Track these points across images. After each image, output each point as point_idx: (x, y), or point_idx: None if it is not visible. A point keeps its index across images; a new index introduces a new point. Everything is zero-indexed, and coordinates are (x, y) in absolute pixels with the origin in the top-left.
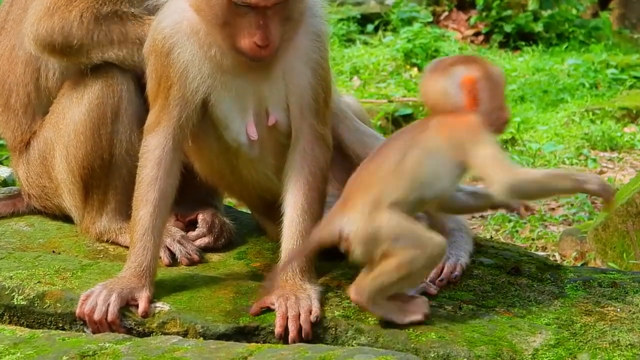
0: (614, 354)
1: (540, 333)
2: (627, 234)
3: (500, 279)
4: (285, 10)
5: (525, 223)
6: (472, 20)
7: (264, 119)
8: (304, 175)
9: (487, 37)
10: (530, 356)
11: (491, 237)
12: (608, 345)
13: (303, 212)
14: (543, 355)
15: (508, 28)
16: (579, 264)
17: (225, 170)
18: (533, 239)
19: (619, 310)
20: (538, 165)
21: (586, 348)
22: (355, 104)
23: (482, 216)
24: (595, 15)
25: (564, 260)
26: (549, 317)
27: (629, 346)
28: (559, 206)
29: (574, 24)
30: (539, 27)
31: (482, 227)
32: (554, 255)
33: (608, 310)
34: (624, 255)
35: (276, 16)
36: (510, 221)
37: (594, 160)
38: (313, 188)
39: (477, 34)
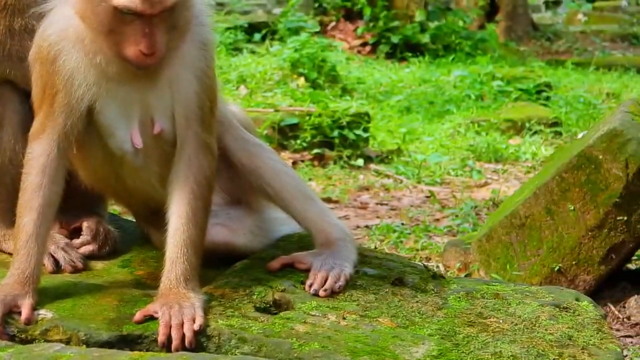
0: None
1: (423, 344)
2: (511, 246)
3: (384, 290)
4: (171, 19)
5: (409, 234)
6: (359, 31)
7: (149, 127)
8: (189, 184)
9: (374, 47)
10: None
11: (375, 248)
12: (490, 357)
13: (188, 221)
14: None
15: (395, 39)
16: (462, 275)
17: (110, 178)
18: (417, 250)
19: (501, 321)
20: (423, 177)
21: (469, 359)
22: (241, 113)
23: (367, 226)
24: (481, 27)
25: (448, 271)
26: (432, 328)
27: (511, 357)
28: (444, 217)
29: (461, 36)
30: (425, 39)
31: (366, 237)
32: (438, 266)
33: (491, 322)
34: (507, 266)
35: (162, 24)
36: (394, 231)
37: (479, 172)
38: (198, 197)
39: (364, 45)
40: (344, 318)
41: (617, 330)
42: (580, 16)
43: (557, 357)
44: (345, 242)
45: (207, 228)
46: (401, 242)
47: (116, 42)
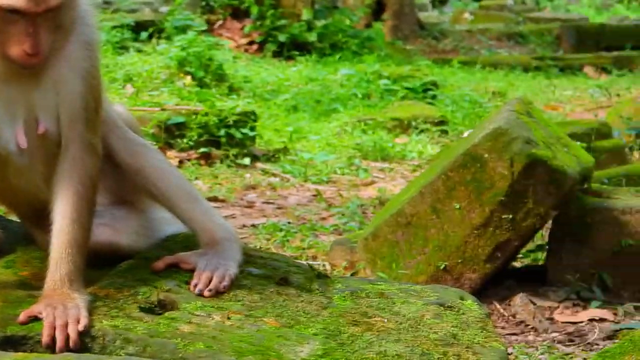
0: None
1: (308, 343)
2: (397, 244)
3: (269, 289)
4: (56, 19)
5: (296, 232)
6: (246, 30)
7: (33, 128)
8: (74, 184)
9: (261, 46)
10: None
11: (261, 247)
12: (375, 356)
13: (72, 222)
14: None
15: (282, 37)
16: (348, 274)
17: None
18: (304, 249)
19: (386, 320)
20: (310, 175)
21: (353, 358)
22: (126, 113)
23: (253, 225)
24: (368, 26)
25: (334, 270)
26: (316, 327)
27: (396, 356)
28: (330, 215)
29: (348, 35)
30: (312, 37)
31: (253, 236)
32: (324, 265)
33: (375, 321)
34: (393, 265)
35: (46, 24)
36: (281, 230)
37: (365, 171)
38: (82, 197)
39: (251, 43)
40: (229, 318)
41: (503, 328)
42: (466, 15)
43: (441, 356)
44: (230, 242)
45: (92, 228)
46: (287, 240)
47: (0, 42)
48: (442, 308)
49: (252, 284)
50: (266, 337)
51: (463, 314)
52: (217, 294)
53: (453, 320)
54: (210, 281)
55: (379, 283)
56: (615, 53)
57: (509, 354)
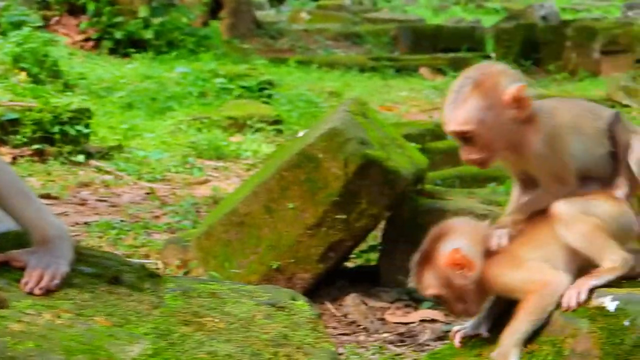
0: None
1: (138, 342)
2: (230, 243)
3: (100, 288)
4: None
5: (129, 230)
6: (82, 26)
7: None
8: None
9: (97, 43)
10: None
11: (93, 246)
12: (206, 356)
13: None
14: None
15: (118, 34)
16: (181, 273)
17: None
18: (137, 247)
19: (217, 320)
20: (144, 173)
21: (184, 358)
22: None
23: (86, 222)
24: (205, 24)
25: (167, 268)
26: (147, 327)
27: (227, 356)
28: (164, 214)
29: (184, 32)
30: (149, 35)
31: (85, 233)
32: (157, 264)
33: (206, 321)
34: (226, 264)
35: None
36: (114, 228)
37: (200, 169)
38: None
39: (87, 40)
40: (59, 317)
41: (334, 328)
42: (303, 14)
43: (272, 356)
44: (62, 240)
45: None
46: (120, 239)
47: None
48: (273, 308)
49: (83, 282)
50: (96, 336)
51: (294, 314)
52: (48, 292)
53: (284, 320)
54: (41, 279)
55: (210, 283)
56: (451, 55)
57: (340, 354)
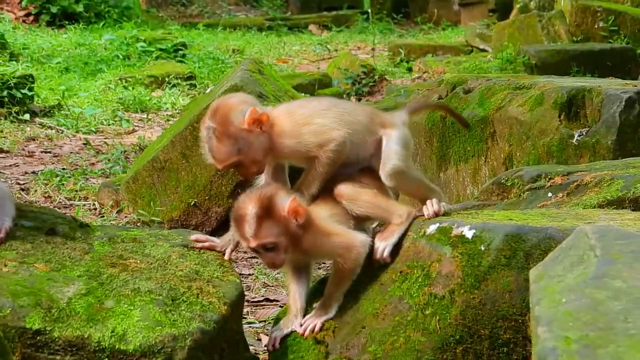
0: (135, 299)
1: (73, 284)
2: (154, 186)
3: (39, 239)
4: None
5: (70, 177)
6: (23, 3)
7: None
8: None
9: (37, 17)
10: (65, 304)
11: (38, 197)
12: (130, 292)
13: None
14: (76, 303)
15: (54, 9)
16: (115, 212)
17: None
18: (77, 191)
19: (139, 261)
20: (81, 127)
21: (112, 295)
22: None
23: (34, 172)
24: None
25: (103, 208)
26: (80, 270)
27: (148, 292)
28: (98, 161)
29: (109, 5)
30: (80, 8)
31: (33, 181)
32: (94, 204)
33: (130, 262)
34: (152, 203)
35: None
36: (57, 176)
37: (128, 121)
38: None
39: (28, 15)
40: (6, 265)
41: (245, 252)
42: None
43: (186, 290)
44: (3, 200)
45: None
46: (63, 184)
47: None
48: (186, 249)
49: (24, 234)
50: (38, 280)
51: (204, 253)
52: None
53: (195, 259)
54: None
55: (132, 229)
56: (334, 12)
57: (250, 275)
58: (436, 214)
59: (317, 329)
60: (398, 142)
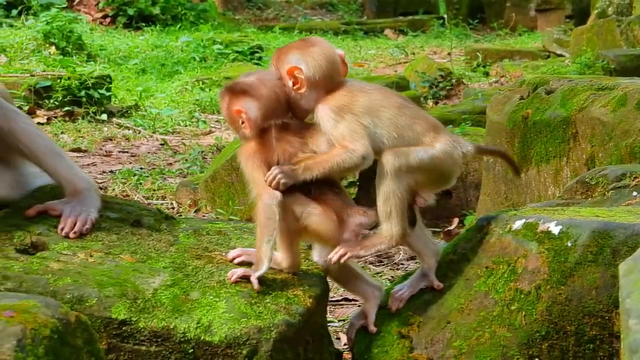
0: (221, 291)
1: (158, 275)
2: (232, 185)
3: (125, 230)
4: None
5: (147, 176)
6: (100, 5)
7: None
8: None
9: (114, 19)
10: (150, 295)
11: (117, 195)
12: (216, 284)
13: None
14: (162, 294)
15: (131, 11)
16: (192, 210)
17: None
18: (154, 190)
19: (224, 254)
20: (158, 127)
21: (197, 287)
22: None
23: (111, 171)
24: (203, 0)
25: (181, 207)
26: (165, 262)
27: (233, 284)
28: (176, 161)
29: (186, 8)
30: (156, 10)
31: (111, 180)
32: (172, 204)
33: (215, 255)
34: (230, 202)
35: None
36: (135, 175)
37: (204, 122)
38: None
39: (105, 17)
40: (92, 256)
41: None
42: None
43: (271, 282)
44: (90, 191)
45: None
46: (140, 183)
47: None
48: None
49: (110, 226)
50: (123, 271)
51: None
52: (81, 235)
53: None
54: (74, 225)
55: (217, 222)
56: (410, 17)
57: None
58: (338, 260)
59: (255, 286)
60: (426, 153)
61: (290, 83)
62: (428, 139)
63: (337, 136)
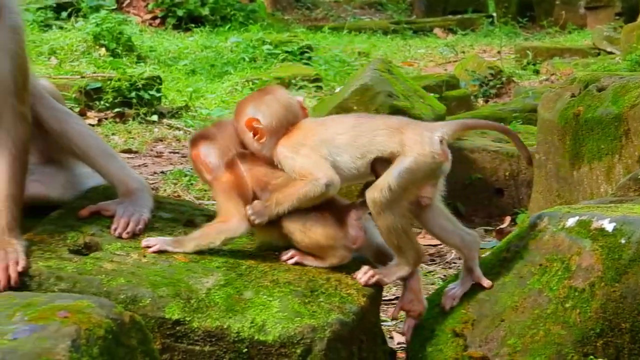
0: (274, 290)
1: (212, 275)
2: None
3: (178, 230)
4: None
5: (198, 177)
6: (150, 7)
7: None
8: (9, 148)
9: (163, 20)
10: (204, 294)
11: (168, 195)
12: (269, 283)
13: (9, 180)
14: (215, 294)
15: (180, 12)
16: None
17: None
18: (206, 191)
19: (277, 253)
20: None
21: (250, 286)
22: (50, 85)
23: (162, 172)
24: (252, 0)
25: None
26: (219, 261)
27: (287, 283)
28: None
29: (235, 8)
30: (205, 11)
31: (162, 181)
32: None
33: (268, 254)
34: None
35: None
36: (186, 175)
37: None
38: (16, 158)
39: (154, 18)
40: (145, 256)
41: None
42: None
43: (324, 281)
44: (142, 192)
45: (26, 184)
46: (192, 184)
47: None
48: None
49: (163, 226)
50: (177, 271)
51: None
52: (134, 235)
53: None
54: (127, 225)
55: None
56: (459, 16)
57: None
58: (365, 284)
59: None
60: (400, 173)
61: (250, 135)
62: (395, 145)
63: (298, 171)
